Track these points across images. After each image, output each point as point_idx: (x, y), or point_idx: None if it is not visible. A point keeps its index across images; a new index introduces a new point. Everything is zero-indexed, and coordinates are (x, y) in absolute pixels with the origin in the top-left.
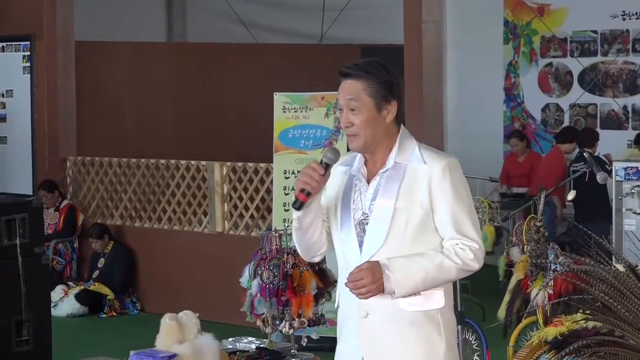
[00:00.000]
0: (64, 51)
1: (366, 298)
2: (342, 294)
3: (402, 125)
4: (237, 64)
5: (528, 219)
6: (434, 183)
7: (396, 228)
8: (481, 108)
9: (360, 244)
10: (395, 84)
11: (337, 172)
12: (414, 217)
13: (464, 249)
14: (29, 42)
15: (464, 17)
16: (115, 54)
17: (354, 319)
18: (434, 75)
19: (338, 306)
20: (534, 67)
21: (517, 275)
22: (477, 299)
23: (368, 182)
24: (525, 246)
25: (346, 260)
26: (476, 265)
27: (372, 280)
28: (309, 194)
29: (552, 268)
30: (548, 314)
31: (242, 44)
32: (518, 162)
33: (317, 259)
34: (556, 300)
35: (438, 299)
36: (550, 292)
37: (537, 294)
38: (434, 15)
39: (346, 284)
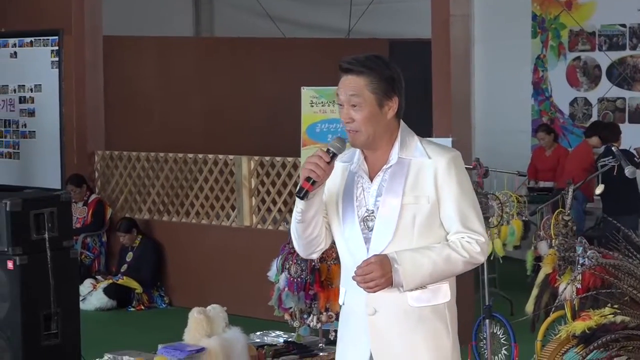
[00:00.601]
0: (92, 46)
1: (375, 292)
2: (348, 291)
3: (401, 120)
4: (264, 58)
5: (556, 213)
6: (439, 177)
7: (404, 224)
8: (509, 102)
9: (366, 241)
10: (396, 79)
11: (337, 169)
12: (421, 212)
13: (471, 242)
14: (57, 37)
15: (492, 11)
16: (142, 48)
17: (360, 316)
18: (461, 69)
19: (343, 303)
20: (562, 61)
21: (545, 269)
22: (505, 293)
23: (371, 178)
24: (553, 240)
25: (352, 257)
26: (482, 259)
27: (381, 274)
28: (314, 183)
29: (580, 262)
30: (576, 308)
31: (270, 39)
32: (545, 156)
33: (315, 256)
34: (584, 295)
35: (445, 293)
36: (579, 286)
37: (565, 288)
38: (462, 10)
39: (354, 278)
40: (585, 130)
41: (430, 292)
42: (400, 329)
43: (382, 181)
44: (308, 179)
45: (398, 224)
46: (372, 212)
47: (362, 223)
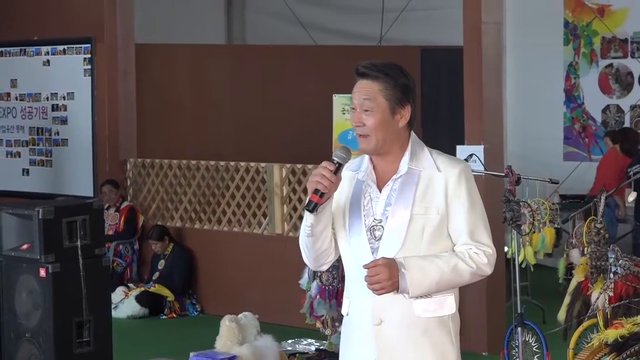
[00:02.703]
0: (124, 53)
1: (380, 294)
2: (353, 301)
3: (412, 131)
4: (296, 66)
5: (588, 220)
6: (450, 189)
7: (412, 234)
8: (541, 109)
9: (373, 250)
10: (411, 88)
11: (344, 176)
12: (430, 224)
13: (478, 254)
14: (89, 45)
15: (524, 18)
16: (174, 56)
17: (366, 326)
18: (493, 76)
19: (347, 314)
20: (595, 68)
21: (577, 277)
22: (537, 300)
23: (379, 188)
24: (586, 248)
25: (358, 267)
26: (489, 270)
27: (388, 277)
28: (322, 195)
29: (612, 270)
30: (608, 316)
31: (301, 46)
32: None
33: (324, 268)
34: (617, 303)
35: (450, 305)
36: (611, 294)
37: (597, 297)
38: (494, 17)
39: (366, 278)
40: (611, 138)
41: (436, 304)
42: (406, 340)
43: (391, 191)
44: (316, 191)
45: (407, 235)
46: (380, 222)
47: (369, 232)
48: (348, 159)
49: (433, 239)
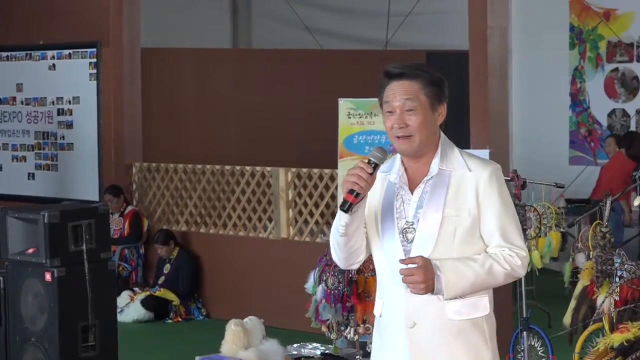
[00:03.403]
0: (130, 58)
1: (416, 293)
2: (386, 303)
3: (442, 131)
4: (301, 70)
5: (594, 224)
6: (480, 190)
7: (444, 236)
8: (547, 114)
9: (406, 253)
10: (445, 84)
11: (376, 179)
12: (462, 225)
13: (512, 255)
14: (95, 49)
15: (530, 22)
16: (180, 60)
17: (399, 328)
18: (499, 80)
19: (380, 315)
20: (600, 72)
21: (583, 281)
22: (542, 305)
23: (411, 190)
24: (591, 252)
25: (391, 269)
26: (522, 272)
27: (423, 278)
28: (357, 195)
29: (618, 274)
30: (614, 320)
31: (307, 50)
32: None
33: (355, 267)
34: (622, 308)
35: (484, 307)
36: (617, 298)
37: (603, 301)
38: (500, 21)
39: (401, 271)
40: (617, 141)
41: (470, 306)
42: (439, 342)
43: (422, 193)
44: (351, 191)
45: (439, 237)
46: (412, 224)
47: (401, 235)
48: (384, 159)
49: (465, 240)
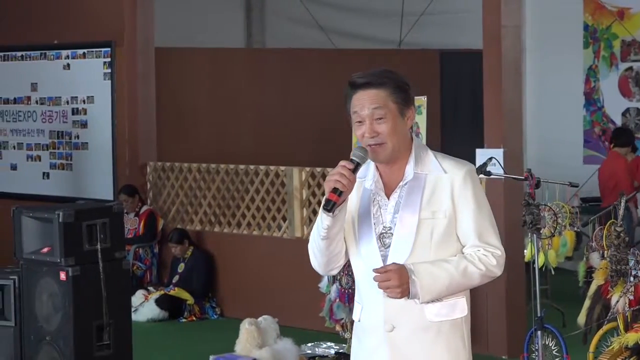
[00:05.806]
0: (144, 57)
1: (393, 298)
2: (365, 308)
3: (414, 135)
4: (315, 69)
5: (608, 224)
6: (455, 191)
7: (421, 239)
8: (561, 113)
9: (384, 258)
10: (410, 87)
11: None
12: (438, 227)
13: (487, 255)
14: (109, 49)
15: (544, 21)
16: (194, 59)
17: (378, 332)
18: (513, 80)
19: (359, 320)
20: (614, 71)
21: (597, 281)
22: (557, 304)
23: (387, 195)
24: (606, 252)
25: (369, 275)
26: (498, 272)
27: (398, 283)
28: (340, 194)
29: (632, 274)
30: (629, 319)
31: (321, 49)
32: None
33: (334, 272)
34: (637, 307)
35: (462, 307)
36: (631, 298)
37: (617, 300)
38: (514, 20)
39: (375, 279)
40: (609, 143)
41: (448, 307)
42: (419, 345)
43: (399, 197)
44: (335, 190)
45: (416, 240)
46: (390, 229)
47: (379, 241)
48: (366, 158)
49: (442, 242)
